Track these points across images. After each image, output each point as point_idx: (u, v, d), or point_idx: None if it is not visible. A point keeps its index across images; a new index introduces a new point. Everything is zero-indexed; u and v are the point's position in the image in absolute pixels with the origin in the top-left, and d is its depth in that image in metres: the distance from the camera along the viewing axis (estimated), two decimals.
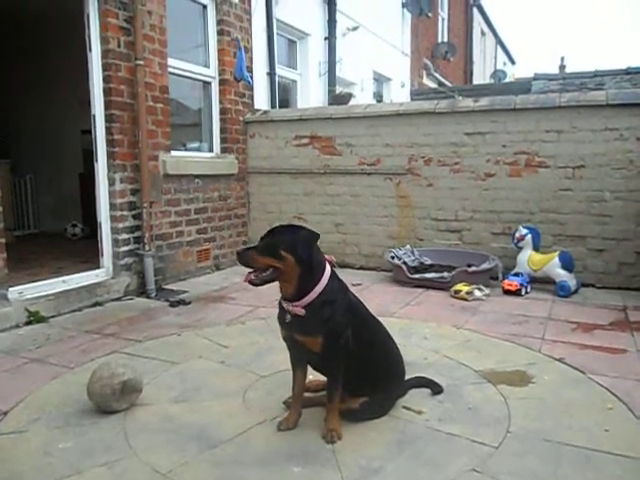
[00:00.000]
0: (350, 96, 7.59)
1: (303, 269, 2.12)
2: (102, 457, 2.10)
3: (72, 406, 2.52)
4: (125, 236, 4.69)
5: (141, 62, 4.59)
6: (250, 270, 2.16)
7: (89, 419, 2.40)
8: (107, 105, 4.51)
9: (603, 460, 2.06)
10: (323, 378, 2.40)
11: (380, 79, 10.91)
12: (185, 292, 4.79)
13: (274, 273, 2.13)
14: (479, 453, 2.11)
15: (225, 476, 1.97)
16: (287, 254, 2.10)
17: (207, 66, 5.78)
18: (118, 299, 4.55)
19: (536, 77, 9.27)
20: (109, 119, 4.52)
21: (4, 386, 2.78)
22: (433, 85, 13.35)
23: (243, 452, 2.13)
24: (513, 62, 25.07)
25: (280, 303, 2.25)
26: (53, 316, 3.97)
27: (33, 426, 2.35)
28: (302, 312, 2.14)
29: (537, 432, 2.26)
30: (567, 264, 4.55)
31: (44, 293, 4.05)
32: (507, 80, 16.33)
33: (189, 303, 4.41)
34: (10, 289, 3.80)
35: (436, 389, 2.64)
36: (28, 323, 3.79)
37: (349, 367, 2.24)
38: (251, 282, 2.16)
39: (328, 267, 2.23)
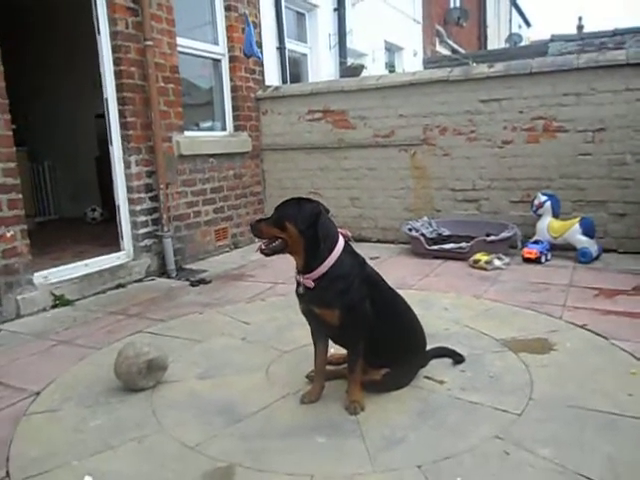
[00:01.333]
0: (362, 68, 7.48)
1: (308, 241, 2.16)
2: (132, 433, 2.16)
3: (101, 385, 2.59)
4: (143, 218, 4.74)
5: (150, 43, 4.57)
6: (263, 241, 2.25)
7: (118, 397, 2.47)
8: (119, 88, 4.51)
9: (627, 424, 2.05)
10: (344, 351, 2.43)
11: (392, 49, 10.71)
12: (205, 271, 4.85)
13: (281, 244, 2.20)
14: (502, 420, 2.12)
15: (251, 448, 2.02)
16: (290, 225, 2.15)
17: (216, 43, 5.73)
18: (140, 280, 4.62)
19: (553, 39, 9.02)
20: (121, 102, 4.52)
21: (35, 368, 2.87)
22: (446, 52, 13.07)
23: (268, 425, 2.18)
24: (529, 25, 24.38)
25: (295, 276, 2.29)
26: (78, 299, 4.06)
27: (64, 405, 2.43)
28: (311, 284, 2.19)
29: (560, 398, 2.27)
30: (588, 230, 4.48)
31: (68, 277, 4.14)
32: (523, 44, 15.91)
33: (209, 282, 4.46)
34: (35, 274, 3.88)
35: (457, 358, 2.65)
36: (54, 306, 3.88)
37: (370, 339, 2.25)
38: (262, 251, 2.24)
39: (341, 241, 2.24)
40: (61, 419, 2.31)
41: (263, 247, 2.23)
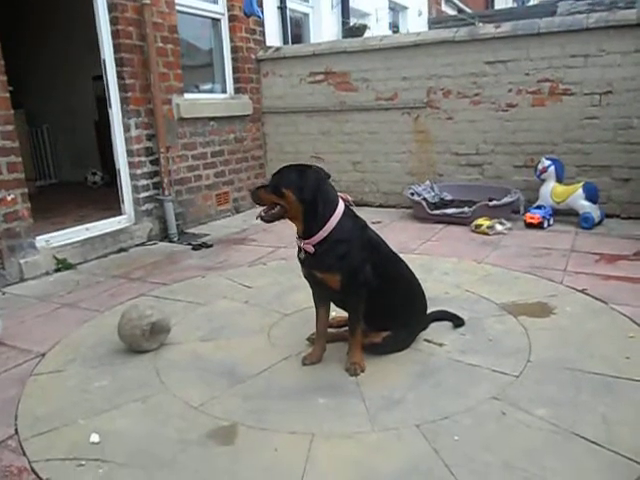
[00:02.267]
0: (365, 28, 7.29)
1: (306, 206, 2.16)
2: (137, 393, 2.20)
3: (105, 347, 2.63)
4: (144, 182, 4.71)
5: (148, 1, 4.45)
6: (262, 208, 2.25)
7: (122, 359, 2.51)
8: (116, 48, 4.41)
9: (623, 386, 2.09)
10: (345, 314, 2.45)
11: (396, 8, 10.43)
12: (206, 235, 4.85)
13: (281, 210, 2.20)
14: (500, 382, 2.16)
15: (254, 408, 2.06)
16: (287, 191, 2.15)
17: (215, 2, 5.59)
18: (142, 244, 4.63)
19: None
20: (119, 63, 4.44)
21: (40, 330, 2.91)
22: (452, 12, 12.74)
23: (270, 386, 2.22)
24: None
25: (296, 240, 2.29)
26: (80, 263, 4.08)
27: (69, 366, 2.47)
28: (311, 249, 2.19)
29: (558, 361, 2.30)
30: (592, 195, 4.45)
31: (70, 241, 4.15)
32: (531, 3, 15.46)
33: (211, 246, 4.47)
34: (37, 238, 3.89)
35: (457, 322, 2.68)
36: (57, 270, 3.90)
37: (371, 303, 2.27)
38: (261, 218, 2.25)
39: (341, 205, 2.23)
40: (67, 379, 2.35)
41: (262, 214, 2.24)
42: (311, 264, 2.25)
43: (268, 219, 2.23)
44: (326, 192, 2.20)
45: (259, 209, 2.29)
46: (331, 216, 2.18)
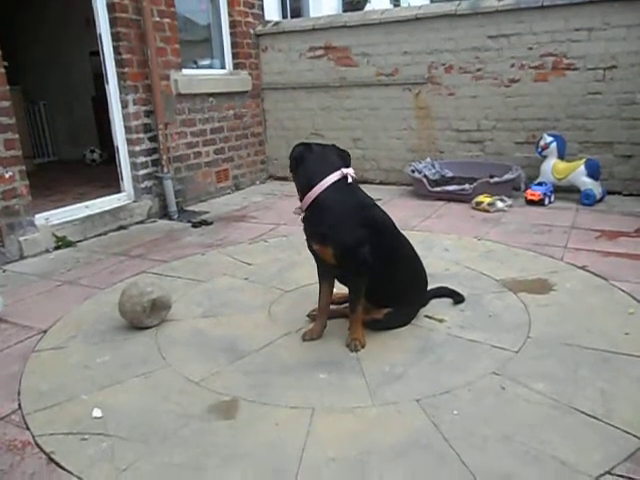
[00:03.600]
0: (365, 1, 7.19)
1: (294, 174, 2.37)
2: (138, 369, 2.22)
3: (106, 324, 2.64)
4: (143, 159, 4.68)
5: None
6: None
7: (123, 335, 2.52)
8: (112, 23, 4.34)
9: (622, 362, 2.10)
10: (346, 290, 2.45)
11: None
12: (206, 213, 4.84)
13: None
14: (499, 357, 2.17)
15: (254, 383, 2.08)
16: (291, 166, 2.37)
17: None
18: (141, 222, 4.62)
19: None
20: (116, 37, 4.36)
21: (41, 307, 2.91)
22: None
23: (270, 361, 2.23)
24: None
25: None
26: (80, 240, 4.08)
27: (71, 343, 2.48)
28: (298, 211, 2.32)
29: (557, 337, 2.31)
30: (593, 172, 4.42)
31: (69, 218, 4.14)
32: None
33: (211, 223, 4.46)
34: (36, 216, 3.88)
35: (457, 298, 2.68)
36: (57, 248, 3.90)
37: (372, 279, 2.27)
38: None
39: (331, 177, 2.24)
40: (69, 356, 2.36)
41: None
42: (309, 234, 2.32)
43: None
44: (310, 163, 2.29)
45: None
46: (315, 185, 2.22)
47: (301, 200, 2.31)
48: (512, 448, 1.66)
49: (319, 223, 2.25)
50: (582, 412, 1.80)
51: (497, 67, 4.99)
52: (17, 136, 3.68)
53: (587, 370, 2.05)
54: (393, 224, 2.43)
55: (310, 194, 2.24)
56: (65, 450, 1.75)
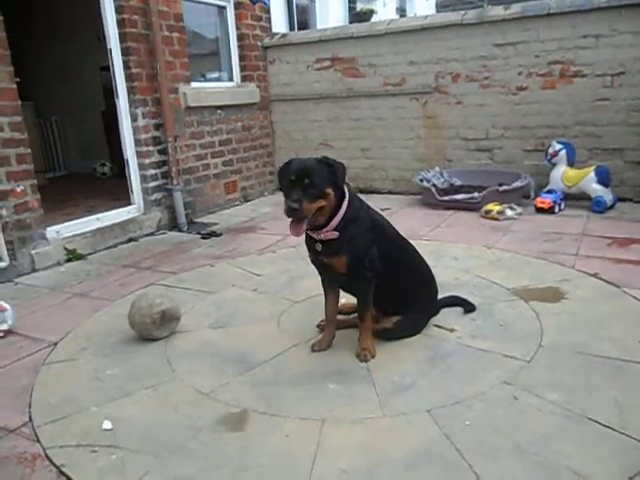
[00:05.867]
0: (372, 13, 7.23)
1: (338, 199, 2.12)
2: (148, 380, 2.22)
3: (116, 336, 2.65)
4: (152, 172, 4.72)
5: None
6: (295, 221, 2.07)
7: (133, 347, 2.53)
8: (122, 38, 4.40)
9: (636, 370, 2.07)
10: (355, 300, 2.44)
11: None
12: (215, 224, 4.86)
13: (317, 212, 2.08)
14: (510, 367, 2.14)
15: (264, 395, 2.07)
16: (330, 190, 2.07)
17: None
18: (151, 234, 4.65)
19: None
20: (125, 52, 4.42)
21: (52, 319, 2.93)
22: None
23: (280, 372, 2.22)
24: None
25: (307, 233, 2.21)
26: (90, 253, 4.10)
27: (82, 355, 2.49)
28: (336, 234, 2.13)
29: (569, 345, 2.28)
30: (603, 179, 4.39)
31: (80, 231, 4.17)
32: None
33: (220, 235, 4.47)
34: (48, 229, 3.91)
35: (468, 307, 2.66)
36: (68, 260, 3.93)
37: (381, 287, 2.26)
38: (305, 230, 2.10)
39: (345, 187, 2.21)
40: (79, 368, 2.37)
41: (307, 227, 2.09)
42: (324, 250, 2.20)
43: (309, 228, 2.11)
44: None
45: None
46: (343, 199, 2.16)
47: (324, 223, 2.12)
48: (525, 459, 1.63)
49: (342, 237, 2.14)
50: (596, 422, 1.77)
51: (504, 75, 4.99)
52: (29, 151, 3.73)
53: (600, 379, 2.02)
54: (391, 225, 2.41)
55: (341, 210, 2.12)
56: (75, 462, 1.75)
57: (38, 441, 1.87)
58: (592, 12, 4.53)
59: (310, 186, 2.02)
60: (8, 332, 2.75)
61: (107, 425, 1.92)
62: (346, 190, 2.19)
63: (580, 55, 4.65)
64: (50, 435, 1.90)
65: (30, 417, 2.02)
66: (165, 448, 1.79)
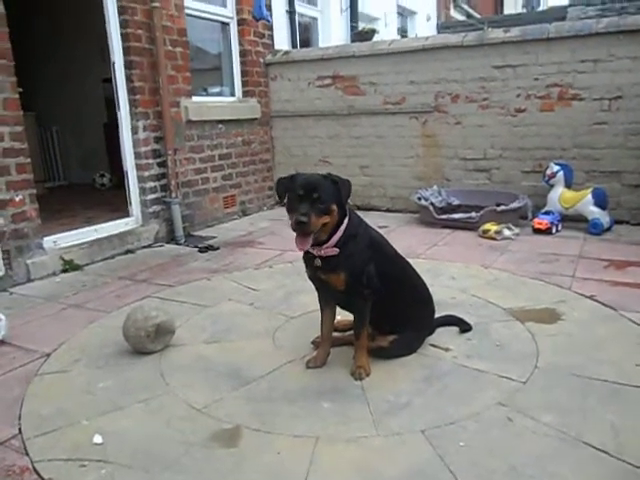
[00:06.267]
0: (373, 32, 7.30)
1: (341, 215, 2.14)
2: (141, 394, 2.20)
3: (110, 348, 2.63)
4: (151, 184, 4.73)
5: (157, 4, 4.47)
6: (300, 235, 2.06)
7: (127, 360, 2.51)
8: (126, 51, 4.44)
9: (632, 394, 2.06)
10: (351, 318, 2.43)
11: (404, 13, 10.45)
12: (213, 238, 4.86)
13: (320, 228, 2.08)
14: (506, 388, 2.13)
15: (257, 411, 2.05)
16: (335, 207, 2.09)
17: (224, 5, 5.61)
18: (148, 246, 4.64)
19: (572, 3, 8.72)
20: (128, 66, 4.46)
21: (46, 330, 2.91)
22: (461, 17, 12.73)
23: (274, 389, 2.21)
24: None
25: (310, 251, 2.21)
26: (87, 264, 4.09)
27: (75, 366, 2.47)
28: (336, 251, 2.14)
29: (566, 367, 2.27)
30: (601, 201, 4.42)
31: (77, 242, 4.16)
32: (541, 9, 15.43)
33: (217, 248, 4.47)
34: (45, 239, 3.91)
35: (464, 327, 2.65)
36: (64, 271, 3.92)
37: (378, 305, 2.26)
38: (310, 246, 2.10)
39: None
40: (71, 380, 2.35)
41: (311, 241, 2.07)
42: (323, 266, 2.20)
43: (314, 244, 2.11)
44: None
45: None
46: (345, 215, 2.18)
47: (324, 240, 2.13)
48: None
49: (341, 254, 2.16)
50: (591, 446, 1.76)
51: (503, 97, 5.04)
52: (29, 160, 3.74)
53: (596, 402, 2.01)
54: (388, 243, 2.42)
55: (342, 227, 2.15)
56: (64, 476, 1.73)
57: (27, 454, 1.85)
58: (591, 37, 4.60)
59: (318, 201, 2.03)
60: (1, 342, 2.73)
61: (98, 439, 1.90)
62: (347, 207, 2.20)
63: (578, 79, 4.71)
64: (39, 448, 1.87)
65: (20, 429, 1.99)
66: (157, 463, 1.77)
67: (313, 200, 2.03)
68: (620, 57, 4.53)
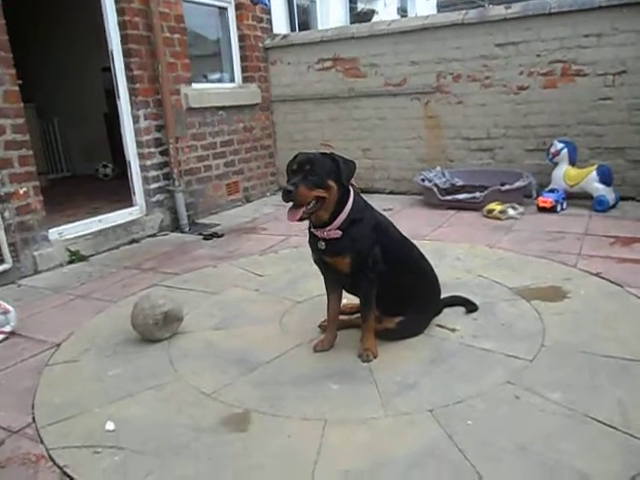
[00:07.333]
0: (373, 13, 7.23)
1: (341, 194, 2.14)
2: (150, 381, 2.22)
3: (118, 337, 2.65)
4: (154, 173, 4.73)
5: None
6: (292, 207, 2.08)
7: (135, 348, 2.53)
8: (123, 39, 4.41)
9: (639, 369, 2.06)
10: (357, 301, 2.44)
11: None
12: (217, 225, 4.87)
13: (317, 204, 2.10)
14: (513, 366, 2.14)
15: (266, 395, 2.07)
16: (333, 183, 2.10)
17: None
18: (153, 235, 4.65)
19: None
20: (127, 54, 4.43)
21: (55, 321, 2.94)
22: None
23: (282, 373, 2.22)
24: None
25: (311, 231, 2.25)
26: (92, 254, 4.11)
27: (84, 356, 2.49)
28: (339, 234, 2.16)
29: (572, 345, 2.27)
30: (605, 178, 4.38)
31: (82, 233, 4.18)
32: None
33: (222, 236, 4.48)
34: (50, 230, 3.92)
35: (470, 307, 2.66)
36: (70, 262, 3.94)
37: (383, 287, 2.26)
38: (301, 219, 2.10)
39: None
40: (82, 369, 2.38)
41: (304, 214, 2.08)
42: (326, 249, 2.22)
43: (306, 217, 2.12)
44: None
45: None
46: (348, 198, 2.18)
47: (330, 220, 2.15)
48: (528, 458, 1.63)
49: (346, 237, 2.17)
50: (599, 422, 1.77)
51: (505, 75, 4.98)
52: (31, 152, 3.74)
53: (604, 378, 2.01)
54: (393, 226, 2.42)
55: (346, 208, 2.15)
56: (78, 463, 1.76)
57: (42, 442, 1.88)
58: (593, 11, 4.52)
59: (309, 173, 2.06)
60: (11, 334, 2.76)
61: (110, 426, 1.92)
62: (351, 190, 2.20)
63: (582, 54, 4.65)
64: (53, 436, 1.90)
65: (34, 418, 2.03)
66: (168, 449, 1.79)
67: (305, 172, 2.06)
68: (624, 31, 4.45)
